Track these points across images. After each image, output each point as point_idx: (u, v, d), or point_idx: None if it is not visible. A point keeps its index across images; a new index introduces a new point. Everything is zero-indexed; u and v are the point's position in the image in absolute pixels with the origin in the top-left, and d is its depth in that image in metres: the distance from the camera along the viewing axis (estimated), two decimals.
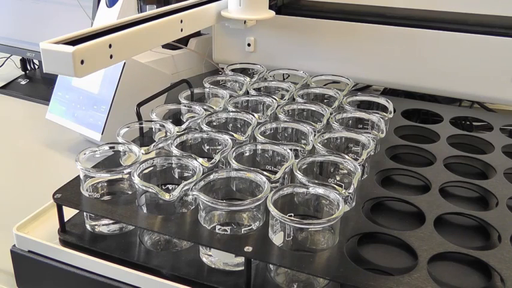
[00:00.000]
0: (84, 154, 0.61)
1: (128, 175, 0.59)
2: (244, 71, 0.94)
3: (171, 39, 0.83)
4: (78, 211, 0.61)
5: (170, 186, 0.62)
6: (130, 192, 0.61)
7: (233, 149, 0.62)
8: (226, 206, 0.53)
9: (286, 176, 0.61)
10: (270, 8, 0.97)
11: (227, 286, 0.52)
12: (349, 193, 0.55)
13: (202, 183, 0.55)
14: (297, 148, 0.64)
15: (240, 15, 0.93)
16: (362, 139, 0.67)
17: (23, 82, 1.32)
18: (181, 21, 0.82)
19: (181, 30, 0.82)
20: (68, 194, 0.59)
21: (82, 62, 0.61)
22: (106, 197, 0.61)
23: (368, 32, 0.97)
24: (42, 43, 0.61)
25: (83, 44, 0.61)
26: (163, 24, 0.78)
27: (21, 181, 0.89)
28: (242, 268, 0.52)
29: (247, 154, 0.65)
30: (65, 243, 0.58)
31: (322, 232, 0.53)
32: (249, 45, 1.07)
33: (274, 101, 0.77)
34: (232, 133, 0.66)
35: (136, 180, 0.55)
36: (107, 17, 0.95)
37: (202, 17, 0.90)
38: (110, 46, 0.66)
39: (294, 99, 0.80)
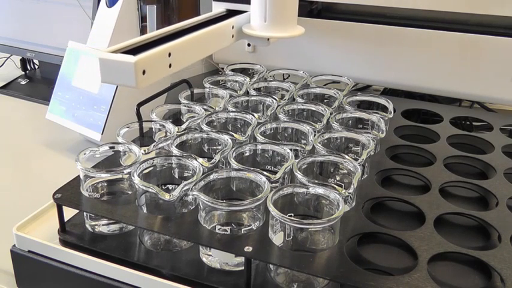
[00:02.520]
0: (84, 154, 0.61)
1: (128, 175, 0.59)
2: (244, 71, 0.94)
3: (224, 45, 0.79)
4: (78, 211, 0.61)
5: (170, 186, 0.62)
6: (130, 192, 0.61)
7: (233, 149, 0.62)
8: (226, 206, 0.53)
9: (286, 176, 0.61)
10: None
11: (227, 286, 0.52)
12: (349, 193, 0.55)
13: (202, 183, 0.55)
14: (297, 148, 0.64)
15: (266, 33, 0.79)
16: (362, 139, 0.67)
17: (23, 82, 1.32)
18: (233, 27, 0.78)
19: (232, 36, 0.79)
20: (68, 194, 0.59)
21: (144, 72, 0.58)
22: (106, 197, 0.61)
23: (368, 32, 0.97)
24: (100, 53, 0.58)
25: (144, 54, 0.59)
26: (218, 31, 0.75)
27: (21, 181, 0.89)
28: (242, 268, 0.52)
29: (247, 154, 0.65)
30: (65, 243, 0.58)
31: (322, 232, 0.53)
32: (249, 45, 1.06)
33: (274, 101, 0.77)
34: (232, 133, 0.66)
35: (137, 180, 0.55)
36: (106, 17, 0.95)
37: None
38: (170, 55, 0.63)
39: (294, 99, 0.80)
